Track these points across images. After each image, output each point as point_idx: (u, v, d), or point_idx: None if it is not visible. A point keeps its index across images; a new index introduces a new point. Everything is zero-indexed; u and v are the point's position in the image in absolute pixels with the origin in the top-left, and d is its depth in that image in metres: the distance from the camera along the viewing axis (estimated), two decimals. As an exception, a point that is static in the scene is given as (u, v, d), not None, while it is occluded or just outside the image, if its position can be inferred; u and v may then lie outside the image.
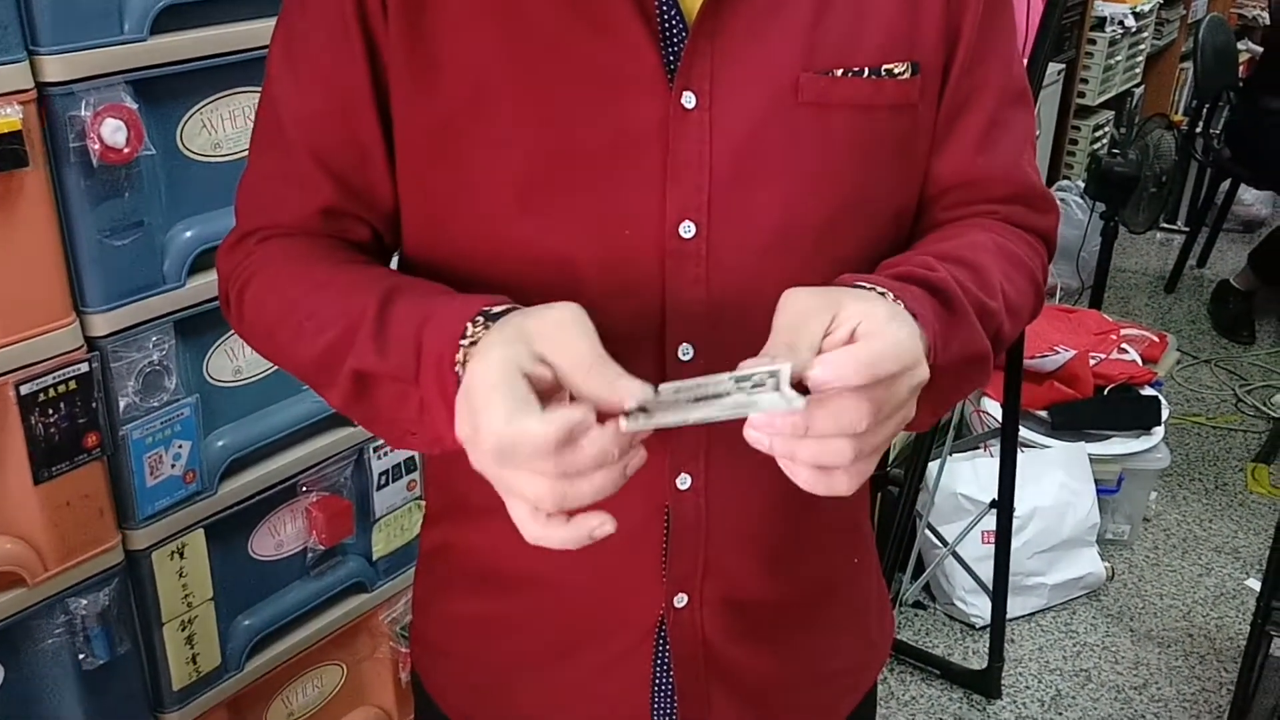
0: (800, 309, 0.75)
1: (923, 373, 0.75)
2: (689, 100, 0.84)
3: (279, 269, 0.90)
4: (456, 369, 0.75)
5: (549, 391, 0.71)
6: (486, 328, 0.75)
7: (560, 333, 0.72)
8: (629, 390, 0.69)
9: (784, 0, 0.85)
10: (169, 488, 1.57)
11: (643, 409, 0.70)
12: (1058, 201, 1.03)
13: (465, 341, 0.75)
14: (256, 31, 1.47)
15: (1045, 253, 0.99)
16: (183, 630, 1.66)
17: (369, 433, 1.80)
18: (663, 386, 0.71)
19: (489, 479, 0.72)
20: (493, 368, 0.70)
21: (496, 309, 0.77)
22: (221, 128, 1.51)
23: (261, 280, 0.90)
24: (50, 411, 1.40)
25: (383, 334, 0.80)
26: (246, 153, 0.97)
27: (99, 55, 1.34)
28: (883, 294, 0.78)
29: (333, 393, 0.85)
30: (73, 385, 1.42)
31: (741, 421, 0.91)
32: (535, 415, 0.68)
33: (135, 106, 1.37)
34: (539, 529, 0.72)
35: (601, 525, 0.71)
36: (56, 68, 1.31)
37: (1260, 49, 4.97)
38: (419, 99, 0.87)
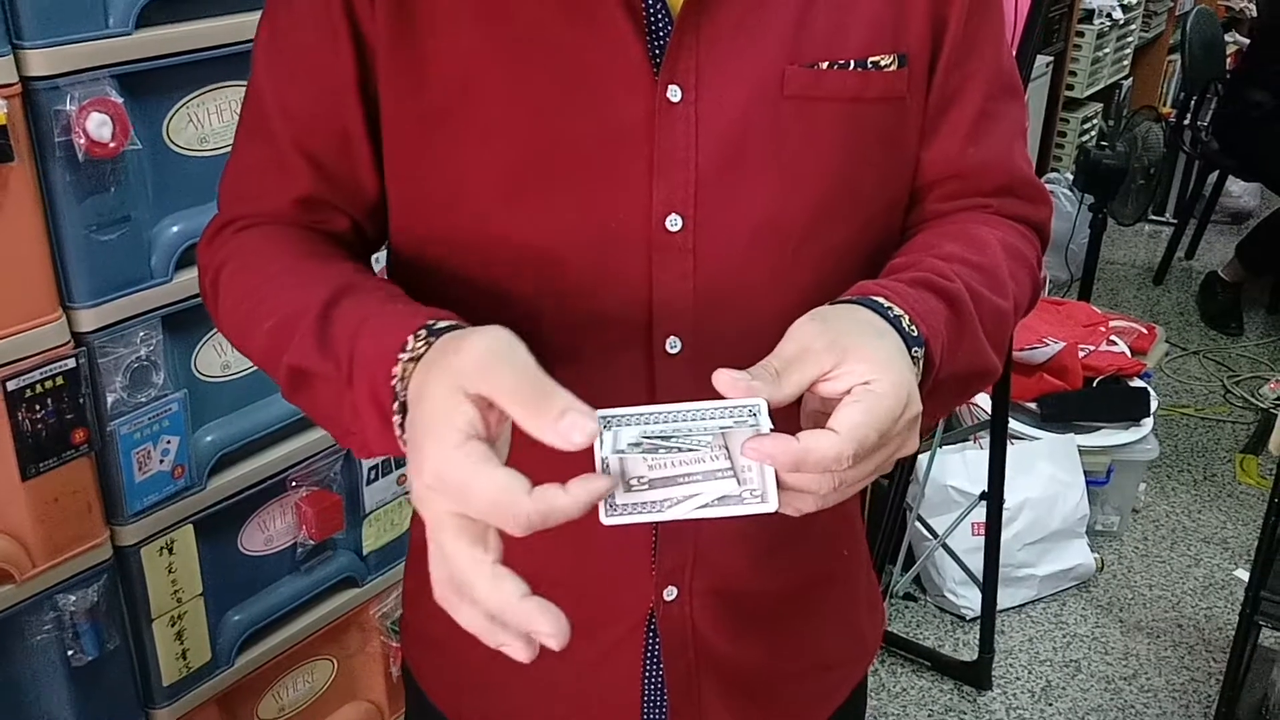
0: (804, 345, 0.73)
1: (913, 410, 0.74)
2: (674, 94, 0.84)
3: (248, 256, 0.90)
4: (394, 383, 0.72)
5: (496, 421, 0.68)
6: (429, 343, 0.72)
7: (491, 366, 0.67)
8: (575, 426, 0.64)
9: None
10: (157, 483, 1.56)
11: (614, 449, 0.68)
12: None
13: (405, 355, 0.72)
14: (243, 25, 1.47)
15: (1040, 245, 0.99)
16: (172, 626, 1.65)
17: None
18: (625, 414, 0.68)
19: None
20: (434, 420, 0.67)
21: (441, 324, 0.74)
22: (208, 122, 1.50)
23: (232, 267, 0.90)
24: (37, 407, 1.40)
25: (323, 332, 0.79)
26: (230, 148, 0.96)
27: (84, 49, 1.34)
28: (898, 316, 0.78)
29: (279, 381, 0.84)
30: (60, 381, 1.41)
31: None
32: (485, 467, 0.65)
33: (121, 101, 1.37)
34: (450, 594, 0.68)
35: (510, 649, 0.67)
36: (41, 62, 1.30)
37: (1248, 41, 4.97)
38: (406, 90, 0.86)
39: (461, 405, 0.66)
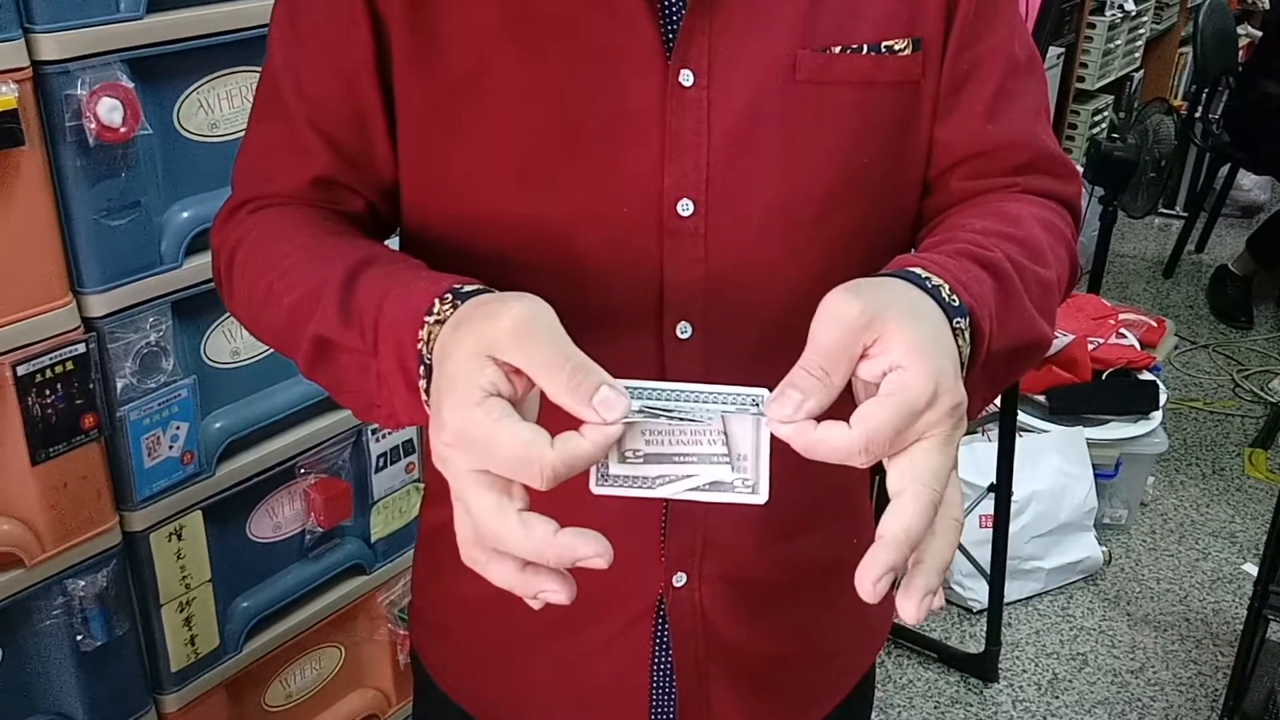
0: (840, 323, 0.68)
1: (946, 400, 0.68)
2: (686, 78, 0.84)
3: (264, 234, 0.90)
4: (419, 346, 0.72)
5: (524, 387, 0.68)
6: (455, 305, 0.72)
7: (525, 336, 0.67)
8: (610, 404, 0.65)
9: None
10: (167, 469, 1.57)
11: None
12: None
13: (431, 319, 0.72)
14: (254, 10, 1.47)
15: (1072, 221, 0.97)
16: (181, 612, 1.66)
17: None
18: (631, 385, 0.67)
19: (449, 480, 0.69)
20: (456, 379, 0.67)
21: (467, 288, 0.73)
22: (219, 107, 1.50)
23: (248, 246, 0.90)
24: (47, 392, 1.40)
25: (346, 302, 0.79)
26: (243, 132, 0.96)
27: (95, 34, 1.34)
28: (937, 286, 0.74)
29: (299, 358, 0.84)
30: (70, 366, 1.41)
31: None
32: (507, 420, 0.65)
33: (132, 86, 1.37)
34: (478, 553, 0.68)
35: (549, 593, 0.68)
36: (52, 46, 1.30)
37: (1259, 33, 4.96)
38: (420, 72, 0.86)
39: (486, 367, 0.66)
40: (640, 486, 0.68)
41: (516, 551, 0.65)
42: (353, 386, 0.81)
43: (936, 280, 0.74)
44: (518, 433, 0.64)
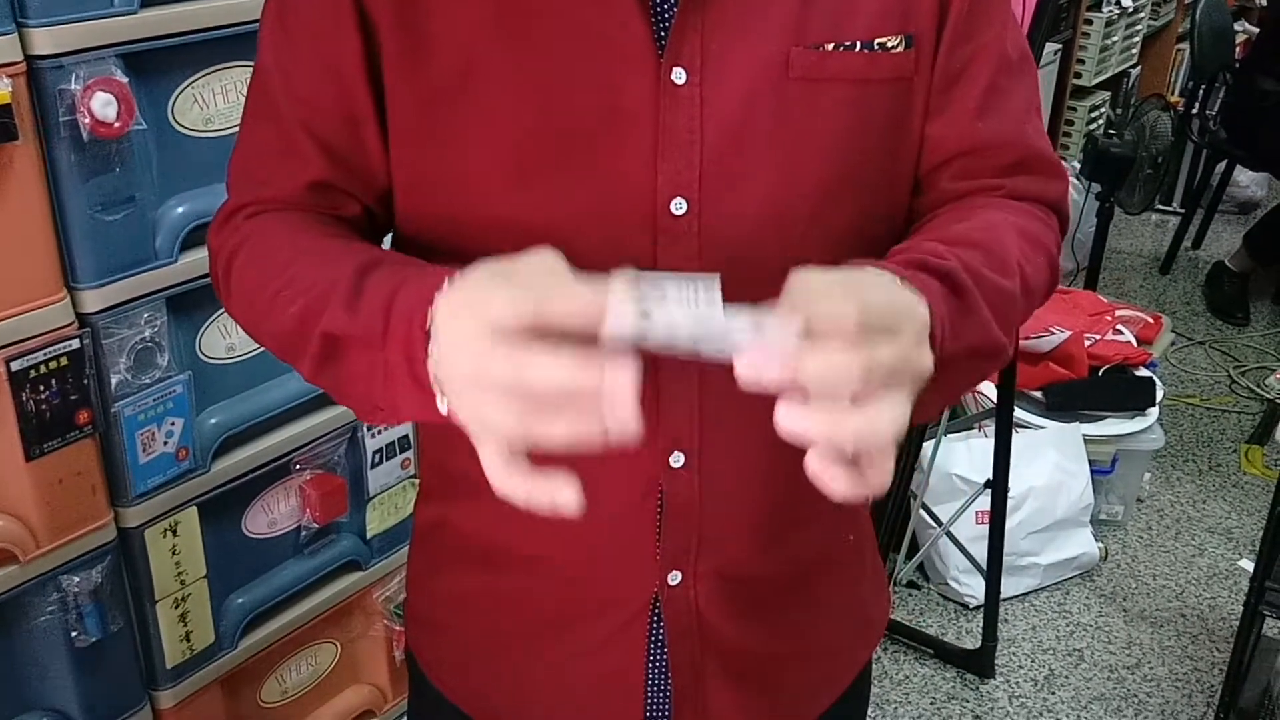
0: (809, 289, 0.70)
1: (916, 319, 0.72)
2: (679, 76, 0.83)
3: (265, 240, 0.89)
4: (427, 327, 0.72)
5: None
6: None
7: (539, 271, 0.69)
8: (619, 293, 0.66)
9: None
10: (162, 465, 1.56)
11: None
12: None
13: (439, 297, 0.72)
14: (248, 5, 1.46)
15: (1058, 224, 0.97)
16: (176, 608, 1.65)
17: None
18: (653, 285, 0.67)
19: (462, 419, 0.69)
20: (460, 296, 0.69)
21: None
22: (213, 102, 1.50)
23: (248, 251, 0.90)
24: (41, 388, 1.40)
25: (356, 298, 0.79)
26: (238, 128, 0.96)
27: (89, 28, 1.33)
28: (894, 279, 0.75)
29: (304, 361, 0.83)
30: (64, 362, 1.41)
31: (737, 402, 0.91)
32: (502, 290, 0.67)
33: (126, 80, 1.36)
34: (505, 474, 0.68)
35: (564, 492, 0.67)
36: (46, 40, 1.30)
37: (1257, 30, 4.96)
38: (410, 72, 0.86)
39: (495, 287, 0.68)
40: (652, 338, 0.67)
41: (556, 384, 0.64)
42: (358, 386, 0.81)
43: (892, 274, 0.76)
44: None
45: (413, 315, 0.73)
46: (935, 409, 0.84)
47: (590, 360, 0.64)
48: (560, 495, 0.67)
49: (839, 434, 0.66)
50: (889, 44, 0.87)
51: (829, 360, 0.66)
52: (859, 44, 0.86)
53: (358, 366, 0.79)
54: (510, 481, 0.68)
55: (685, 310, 0.67)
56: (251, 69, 0.94)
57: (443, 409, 0.73)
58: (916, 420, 0.84)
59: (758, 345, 0.66)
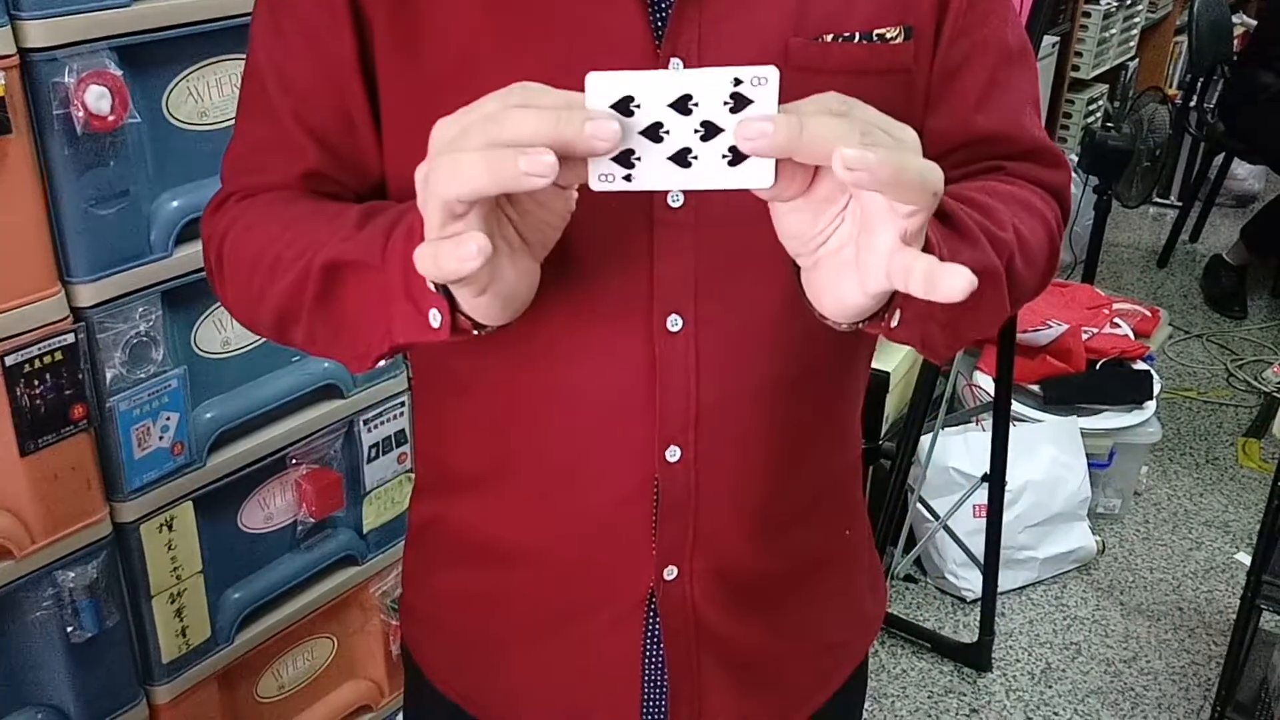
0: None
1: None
2: (677, 66, 0.83)
3: (259, 212, 0.90)
4: None
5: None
6: None
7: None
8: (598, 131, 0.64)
9: None
10: (157, 460, 1.56)
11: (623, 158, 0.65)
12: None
13: None
14: (243, -2, 1.46)
15: (1058, 207, 0.97)
16: (172, 603, 1.65)
17: (356, 405, 1.80)
18: (637, 85, 0.65)
19: (429, 187, 0.66)
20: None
21: None
22: (208, 95, 1.49)
23: (243, 224, 0.90)
24: (36, 383, 1.39)
25: (358, 230, 0.80)
26: (233, 121, 0.95)
27: (83, 20, 1.32)
28: None
29: (301, 314, 0.84)
30: (59, 356, 1.41)
31: (733, 396, 0.91)
32: None
33: (120, 73, 1.36)
34: (436, 234, 0.66)
35: (469, 245, 0.64)
36: (39, 33, 1.29)
37: (1255, 22, 4.95)
38: (403, 66, 0.86)
39: None
40: (637, 181, 0.66)
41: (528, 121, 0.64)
42: (352, 313, 0.81)
43: None
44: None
45: (412, 231, 0.73)
46: (943, 345, 0.83)
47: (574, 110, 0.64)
48: (466, 247, 0.65)
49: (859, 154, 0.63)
50: (888, 35, 0.86)
51: (817, 99, 0.66)
52: (858, 35, 0.85)
53: (355, 292, 0.80)
54: (436, 244, 0.66)
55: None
56: (245, 63, 0.93)
57: (434, 322, 0.74)
58: (927, 353, 0.83)
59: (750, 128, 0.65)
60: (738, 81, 0.64)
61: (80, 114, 1.32)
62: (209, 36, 1.46)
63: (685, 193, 0.85)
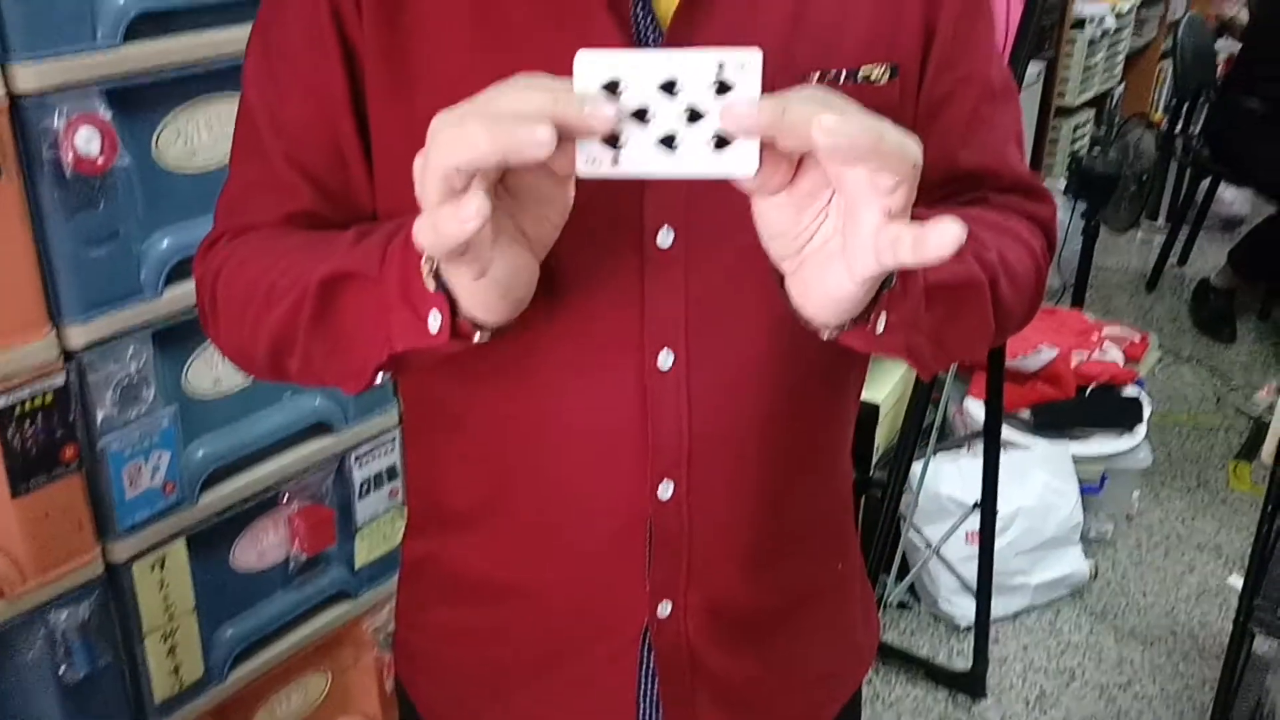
0: None
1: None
2: None
3: (252, 248, 0.90)
4: (423, 264, 0.73)
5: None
6: None
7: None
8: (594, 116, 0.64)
9: (760, 4, 0.85)
10: (149, 499, 1.56)
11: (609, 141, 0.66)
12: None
13: None
14: (231, 39, 1.46)
15: (1044, 238, 0.97)
16: (165, 642, 1.65)
17: (347, 441, 1.80)
18: (625, 66, 0.66)
19: (429, 159, 0.66)
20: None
21: None
22: (197, 136, 1.50)
23: (235, 261, 0.90)
24: (27, 424, 1.39)
25: (355, 245, 0.80)
26: (222, 161, 0.96)
27: (72, 64, 1.33)
28: None
29: (298, 338, 0.84)
30: (49, 398, 1.41)
31: (726, 431, 0.91)
32: None
33: (109, 116, 1.36)
34: (436, 202, 0.65)
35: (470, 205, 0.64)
36: (29, 77, 1.30)
37: (1238, 48, 4.99)
38: (395, 103, 0.86)
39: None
40: (626, 165, 0.66)
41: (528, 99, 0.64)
42: (349, 328, 0.81)
43: None
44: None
45: (409, 239, 0.72)
46: (930, 357, 0.83)
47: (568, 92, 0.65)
48: (466, 208, 0.64)
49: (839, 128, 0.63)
50: (873, 75, 0.87)
51: (801, 89, 0.66)
52: (844, 74, 0.86)
53: (352, 306, 0.80)
54: (435, 211, 0.65)
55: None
56: (236, 101, 0.94)
57: (434, 325, 0.74)
58: (916, 366, 0.83)
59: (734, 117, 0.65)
60: (722, 66, 0.65)
61: (69, 157, 1.33)
62: (198, 78, 1.47)
63: (675, 230, 0.85)
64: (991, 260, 0.85)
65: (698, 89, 0.65)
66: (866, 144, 0.63)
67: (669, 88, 0.65)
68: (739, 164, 0.67)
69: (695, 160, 0.66)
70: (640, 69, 0.65)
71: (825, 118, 0.62)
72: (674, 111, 0.66)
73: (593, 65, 0.66)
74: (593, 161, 0.66)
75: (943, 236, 0.64)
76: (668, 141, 0.66)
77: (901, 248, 0.65)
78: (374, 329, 0.79)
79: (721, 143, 0.66)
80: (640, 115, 0.66)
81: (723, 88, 0.65)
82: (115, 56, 1.37)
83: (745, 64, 0.65)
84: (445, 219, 0.64)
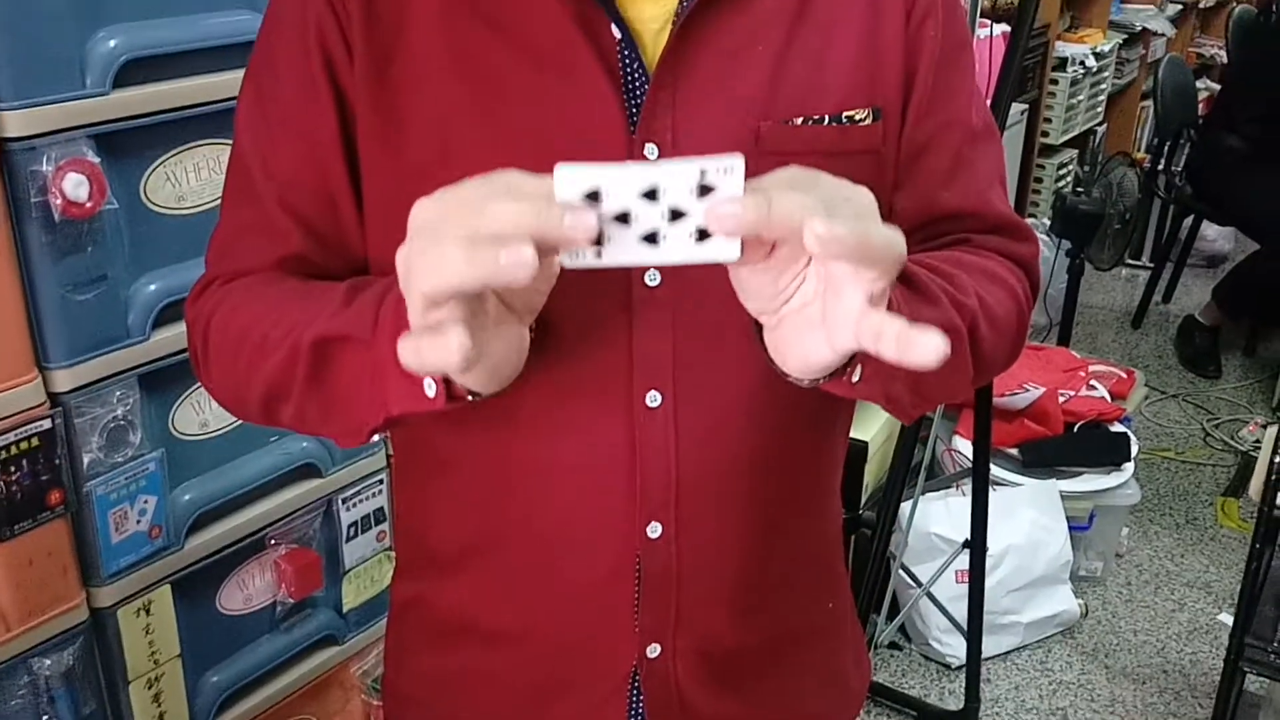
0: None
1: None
2: (651, 152, 0.84)
3: (244, 294, 0.90)
4: None
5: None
6: None
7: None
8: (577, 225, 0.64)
9: (744, 49, 0.86)
10: (134, 544, 1.55)
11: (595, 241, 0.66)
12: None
13: None
14: (219, 84, 1.47)
15: (1026, 279, 0.98)
16: (149, 688, 1.63)
17: (334, 484, 1.79)
18: (606, 179, 0.66)
19: (407, 268, 0.66)
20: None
21: None
22: (185, 180, 1.50)
23: (227, 307, 0.90)
24: (12, 469, 1.39)
25: (347, 306, 0.80)
26: (211, 205, 0.97)
27: (61, 110, 1.34)
28: None
29: (291, 391, 0.84)
30: (35, 442, 1.40)
31: (714, 472, 0.91)
32: None
33: (97, 160, 1.37)
34: (419, 323, 0.66)
35: (454, 338, 0.64)
36: (17, 122, 1.30)
37: (1218, 87, 5.04)
38: (386, 151, 0.87)
39: None
40: (608, 257, 0.66)
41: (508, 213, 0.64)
42: (343, 390, 0.81)
43: None
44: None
45: (400, 303, 0.72)
46: (909, 405, 0.83)
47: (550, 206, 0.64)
48: (448, 344, 0.64)
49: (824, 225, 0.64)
50: (857, 117, 0.88)
51: (779, 174, 0.67)
52: (828, 118, 0.87)
53: (346, 368, 0.80)
54: (418, 339, 0.65)
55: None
56: (225, 146, 0.94)
57: (430, 392, 0.74)
58: (895, 413, 0.83)
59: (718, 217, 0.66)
60: (704, 173, 0.65)
61: (58, 201, 1.33)
62: (186, 122, 1.47)
63: (662, 271, 0.85)
64: (970, 306, 0.85)
65: (680, 194, 0.66)
66: (855, 244, 0.64)
67: (651, 195, 0.66)
68: (722, 252, 0.67)
69: (678, 251, 0.67)
70: (622, 181, 0.66)
71: (818, 228, 0.63)
72: (656, 213, 0.66)
73: (573, 176, 0.66)
74: (577, 256, 0.67)
75: (926, 348, 0.65)
76: (650, 238, 0.66)
77: (885, 343, 0.66)
78: (370, 393, 0.79)
79: (704, 234, 0.66)
80: (622, 218, 0.66)
81: (705, 190, 0.66)
82: (105, 102, 1.37)
83: (729, 169, 0.66)
84: (428, 350, 0.64)
